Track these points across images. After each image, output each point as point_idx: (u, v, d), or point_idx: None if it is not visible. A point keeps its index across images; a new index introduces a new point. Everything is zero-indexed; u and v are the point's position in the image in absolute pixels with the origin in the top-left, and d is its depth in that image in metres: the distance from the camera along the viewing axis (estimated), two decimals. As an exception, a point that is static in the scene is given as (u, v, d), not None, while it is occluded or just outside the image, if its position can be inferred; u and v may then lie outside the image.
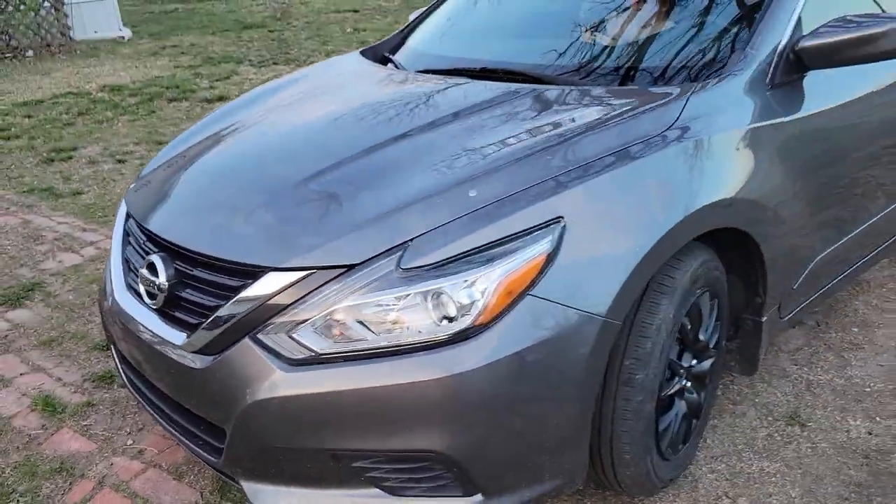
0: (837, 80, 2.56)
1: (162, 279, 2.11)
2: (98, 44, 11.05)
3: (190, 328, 2.05)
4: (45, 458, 2.61)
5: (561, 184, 1.95)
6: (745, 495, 2.35)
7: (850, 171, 2.69)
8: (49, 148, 6.14)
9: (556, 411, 1.90)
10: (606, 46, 2.72)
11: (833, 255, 2.76)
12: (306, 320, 1.86)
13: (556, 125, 2.21)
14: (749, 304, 2.53)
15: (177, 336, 2.07)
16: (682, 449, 2.36)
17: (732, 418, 2.70)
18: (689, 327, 2.24)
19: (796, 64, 2.41)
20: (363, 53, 3.40)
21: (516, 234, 1.86)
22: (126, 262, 2.43)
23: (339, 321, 1.85)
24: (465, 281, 1.81)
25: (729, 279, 2.45)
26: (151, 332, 2.15)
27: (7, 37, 10.06)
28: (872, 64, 2.36)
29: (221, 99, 7.48)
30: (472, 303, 1.80)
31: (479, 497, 1.92)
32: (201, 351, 2.00)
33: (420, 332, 1.82)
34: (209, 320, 1.98)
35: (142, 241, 2.32)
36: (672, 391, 2.25)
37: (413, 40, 3.38)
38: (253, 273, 1.94)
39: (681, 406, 2.32)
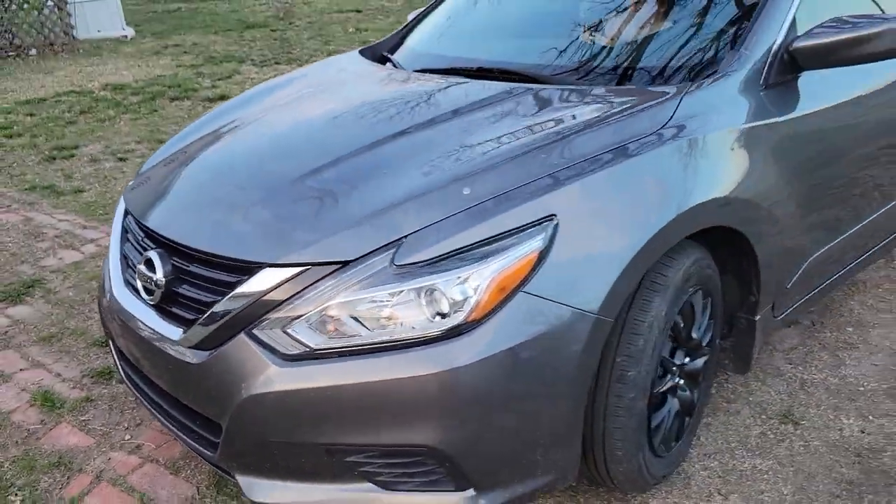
0: (832, 81, 2.56)
1: (159, 275, 2.13)
2: (101, 43, 11.09)
3: (186, 324, 2.07)
4: (44, 453, 2.63)
5: (554, 182, 1.97)
6: (737, 492, 2.36)
7: (845, 172, 2.70)
8: (51, 146, 6.17)
9: (548, 407, 1.92)
10: (602, 46, 2.74)
11: (827, 254, 2.77)
12: (301, 316, 1.88)
13: (551, 124, 2.22)
14: (743, 303, 2.54)
15: (173, 331, 2.09)
16: (674, 446, 2.37)
17: (726, 416, 2.72)
18: (681, 325, 2.25)
19: (791, 64, 2.42)
20: (362, 53, 3.41)
21: (509, 231, 1.87)
22: (124, 258, 2.45)
23: (333, 317, 1.86)
24: (459, 277, 1.82)
25: (723, 278, 2.46)
26: (149, 327, 2.17)
27: (10, 35, 10.11)
28: (867, 64, 2.37)
29: (223, 98, 7.50)
30: (465, 299, 1.82)
31: (471, 492, 1.94)
32: (198, 346, 2.02)
33: (413, 328, 1.83)
34: (205, 316, 2.00)
35: (140, 238, 2.34)
36: (664, 388, 2.27)
37: (411, 40, 3.40)
38: (249, 269, 1.96)
39: (674, 403, 2.34)
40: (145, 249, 2.25)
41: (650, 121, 2.19)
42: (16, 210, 4.85)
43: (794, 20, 2.47)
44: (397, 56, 3.24)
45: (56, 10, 10.35)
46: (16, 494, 2.44)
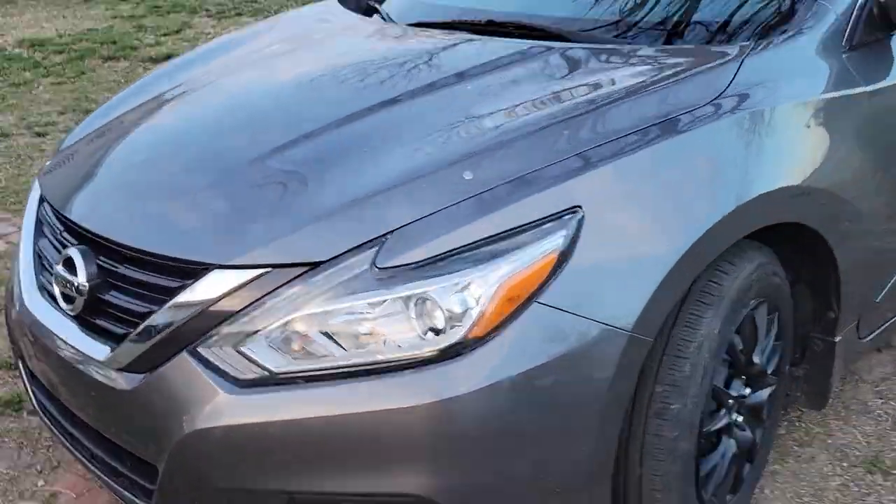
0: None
1: (81, 278, 2.11)
2: (16, -13, 11.18)
3: (115, 340, 2.06)
4: (-68, 505, 2.68)
5: (580, 164, 1.97)
6: (810, 560, 2.39)
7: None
8: (-50, 117, 6.25)
9: (569, 448, 1.91)
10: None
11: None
12: (259, 331, 1.87)
13: (578, 91, 2.24)
14: (820, 321, 2.54)
15: (99, 350, 2.08)
16: (730, 500, 2.36)
17: (798, 463, 2.71)
18: (739, 347, 2.25)
19: (882, 19, 2.41)
20: (343, 2, 3.43)
21: (521, 226, 1.86)
22: (38, 257, 2.45)
23: (299, 333, 1.86)
24: (457, 284, 1.81)
25: (794, 289, 2.46)
26: (68, 344, 2.16)
27: None
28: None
29: (169, 57, 7.52)
30: (465, 311, 1.81)
31: (469, 554, 1.98)
32: (128, 368, 2.01)
33: (400, 346, 1.83)
34: (138, 330, 1.99)
35: (58, 232, 2.34)
36: (717, 426, 2.26)
37: (405, -15, 3.43)
38: (193, 271, 1.95)
39: (729, 445, 2.32)
40: (64, 246, 2.24)
41: (704, 88, 2.19)
42: None
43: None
44: (388, 6, 3.24)
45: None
46: None
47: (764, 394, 2.41)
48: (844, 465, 2.70)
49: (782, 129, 2.22)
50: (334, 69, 2.65)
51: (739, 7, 2.55)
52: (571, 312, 1.85)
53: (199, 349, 1.92)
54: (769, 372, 2.40)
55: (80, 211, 2.27)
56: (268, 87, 2.64)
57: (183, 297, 1.95)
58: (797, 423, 2.89)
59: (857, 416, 2.92)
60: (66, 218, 2.30)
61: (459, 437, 1.83)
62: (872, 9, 2.40)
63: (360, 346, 1.85)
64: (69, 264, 2.17)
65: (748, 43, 2.35)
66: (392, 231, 1.89)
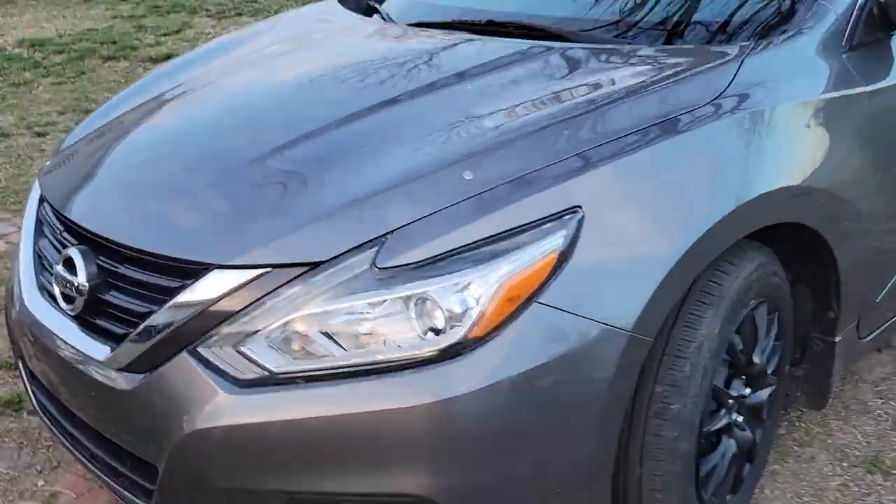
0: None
1: (81, 278, 2.12)
2: (16, -13, 11.18)
3: (115, 340, 2.06)
4: (-68, 505, 2.67)
5: (580, 165, 1.97)
6: (809, 560, 2.40)
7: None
8: (-50, 117, 6.25)
9: (569, 448, 1.92)
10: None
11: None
12: (259, 331, 1.87)
13: (578, 91, 2.24)
14: (819, 321, 2.54)
15: (99, 350, 2.09)
16: (730, 499, 2.36)
17: (798, 463, 2.71)
18: (740, 347, 2.26)
19: (882, 19, 2.42)
20: (343, 2, 3.43)
21: (521, 226, 1.87)
22: (38, 257, 2.45)
23: (299, 333, 1.86)
24: (457, 284, 1.82)
25: (794, 289, 2.46)
26: (68, 344, 2.17)
27: None
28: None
29: (169, 57, 7.51)
30: (465, 311, 1.81)
31: (468, 552, 1.98)
32: (128, 368, 2.01)
33: (400, 346, 1.83)
34: (139, 330, 2.00)
35: (58, 232, 2.34)
36: (718, 426, 2.26)
37: (406, -14, 3.43)
38: (194, 271, 1.95)
39: (729, 445, 2.33)
40: (65, 246, 2.25)
41: (704, 88, 2.19)
42: None
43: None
44: (387, 6, 3.24)
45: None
46: None
47: (764, 394, 2.42)
48: (844, 465, 2.70)
49: (782, 128, 2.22)
50: (334, 69, 2.66)
51: (739, 7, 2.55)
52: (571, 312, 1.85)
53: (200, 349, 1.92)
54: (769, 372, 2.41)
55: (80, 211, 2.28)
56: (268, 86, 2.64)
57: (183, 297, 1.95)
58: (797, 423, 2.89)
59: (857, 416, 2.92)
60: (65, 218, 2.30)
61: (459, 437, 1.84)
62: (872, 9, 2.40)
63: (360, 346, 1.85)
64: (69, 264, 2.17)
65: (748, 43, 2.36)
66: (392, 231, 1.89)
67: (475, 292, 1.83)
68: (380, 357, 1.84)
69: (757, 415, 2.42)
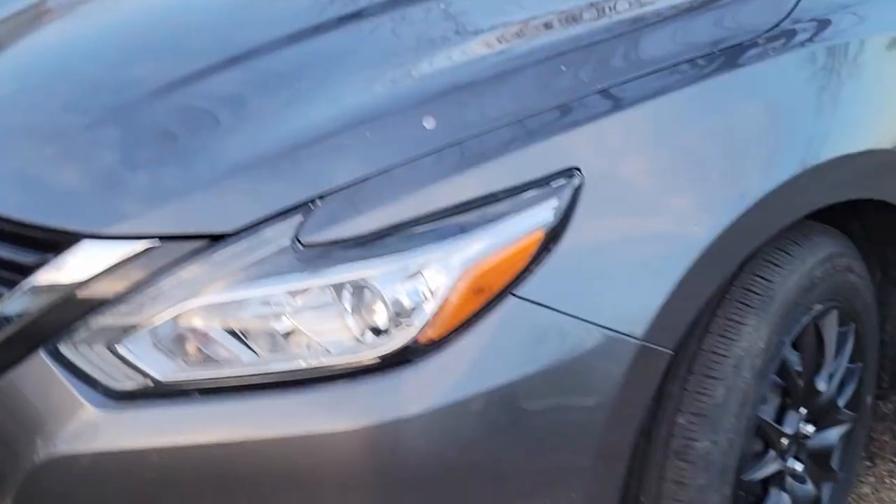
0: None
1: None
2: None
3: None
4: None
5: (581, 111, 1.87)
6: None
7: None
8: None
9: (553, 495, 1.81)
10: None
11: None
12: (142, 325, 1.76)
13: (586, 14, 2.13)
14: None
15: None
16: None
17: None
18: (797, 368, 2.11)
19: None
20: None
21: (496, 194, 1.76)
22: None
23: (195, 329, 1.74)
24: (406, 268, 1.71)
25: (884, 292, 2.36)
26: None
27: None
28: None
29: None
30: (417, 305, 1.70)
31: None
32: (-34, 372, 1.81)
33: (329, 351, 1.72)
34: (-20, 321, 1.80)
35: None
36: (764, 474, 2.13)
37: None
38: (56, 243, 1.81)
39: (781, 501, 2.20)
40: None
41: (763, 12, 2.09)
42: None
43: None
44: None
45: None
46: None
47: (833, 434, 2.27)
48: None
49: (872, 70, 2.12)
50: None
51: None
52: (560, 311, 1.73)
53: (61, 348, 1.80)
54: (841, 405, 2.26)
55: None
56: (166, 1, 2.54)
57: (41, 277, 1.82)
58: (887, 481, 2.73)
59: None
60: None
61: (406, 473, 1.73)
62: None
63: (277, 348, 1.73)
64: None
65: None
66: (322, 195, 1.77)
67: (431, 280, 1.70)
68: (302, 364, 1.72)
69: (824, 463, 2.26)
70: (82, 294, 1.82)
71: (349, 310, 1.74)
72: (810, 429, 2.22)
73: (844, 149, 2.04)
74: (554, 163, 1.80)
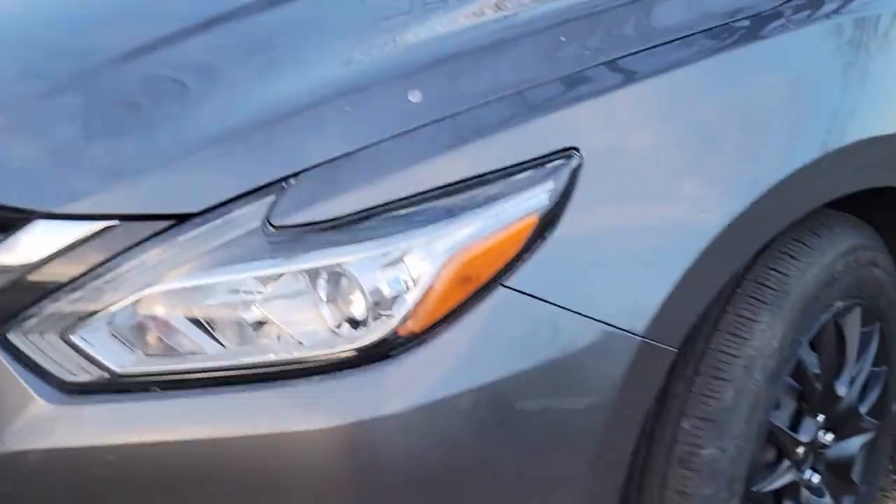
0: None
1: None
2: None
3: None
4: None
5: (583, 85, 1.87)
6: None
7: None
8: None
9: (547, 501, 1.83)
10: None
11: None
12: (98, 312, 1.76)
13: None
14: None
15: None
16: None
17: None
18: (815, 371, 2.10)
19: None
20: None
21: (486, 175, 1.76)
22: None
23: (156, 317, 1.74)
24: (387, 254, 1.71)
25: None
26: None
27: None
28: None
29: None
30: (398, 295, 1.71)
31: None
32: None
33: (302, 343, 1.72)
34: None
35: None
36: (777, 485, 2.12)
37: None
38: (6, 222, 1.84)
39: (796, 516, 2.05)
40: None
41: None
42: None
43: None
44: None
45: None
46: None
47: (854, 444, 2.25)
48: None
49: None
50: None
51: None
52: (554, 304, 1.73)
53: (10, 336, 1.80)
54: (863, 412, 2.25)
55: None
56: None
57: None
58: None
59: None
60: None
61: (385, 476, 1.74)
62: None
63: (245, 340, 1.73)
64: None
65: None
66: (297, 173, 1.77)
67: (414, 268, 1.71)
68: (272, 357, 1.72)
69: (843, 475, 2.24)
70: (34, 278, 1.81)
71: (324, 299, 1.74)
72: (829, 437, 2.21)
73: (872, 130, 2.03)
74: (551, 142, 1.79)
